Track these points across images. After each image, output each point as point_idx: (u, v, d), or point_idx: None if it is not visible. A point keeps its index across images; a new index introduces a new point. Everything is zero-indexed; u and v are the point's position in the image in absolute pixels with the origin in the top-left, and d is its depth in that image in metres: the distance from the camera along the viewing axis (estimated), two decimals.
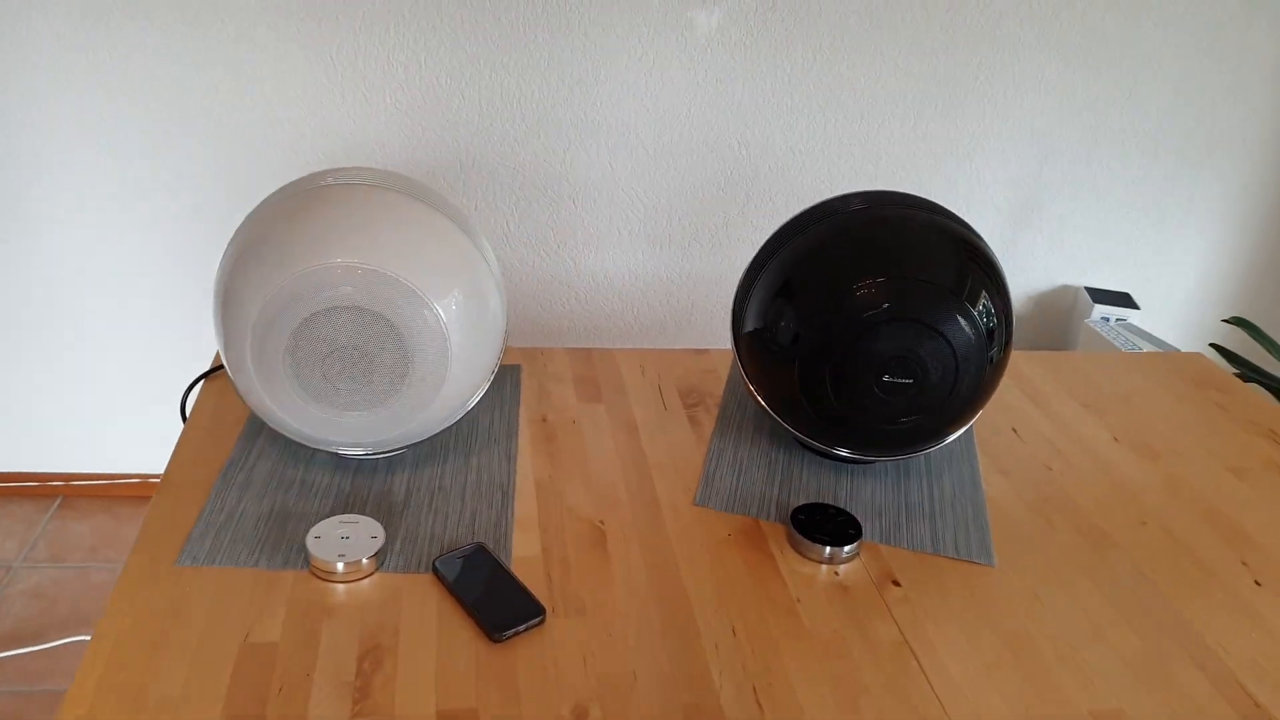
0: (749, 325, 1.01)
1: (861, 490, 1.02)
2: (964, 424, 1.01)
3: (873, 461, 1.05)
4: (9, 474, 1.99)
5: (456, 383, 0.92)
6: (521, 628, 0.80)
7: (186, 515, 0.90)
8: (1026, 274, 2.02)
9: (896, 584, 0.90)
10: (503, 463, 1.02)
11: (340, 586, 0.84)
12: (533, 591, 0.85)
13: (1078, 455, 1.12)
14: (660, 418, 1.13)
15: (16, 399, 1.90)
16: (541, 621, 0.81)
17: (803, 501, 1.00)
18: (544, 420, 1.10)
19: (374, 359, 0.87)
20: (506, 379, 1.17)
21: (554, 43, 1.67)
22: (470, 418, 1.09)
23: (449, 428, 1.06)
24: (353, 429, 0.90)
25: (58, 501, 2.02)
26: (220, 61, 1.61)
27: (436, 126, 1.71)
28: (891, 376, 0.92)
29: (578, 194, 1.81)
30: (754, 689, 0.77)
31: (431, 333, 0.88)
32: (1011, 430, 1.17)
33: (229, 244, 0.91)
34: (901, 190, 1.92)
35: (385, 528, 0.91)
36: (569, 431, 1.08)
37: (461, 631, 0.80)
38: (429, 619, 0.81)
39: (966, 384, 0.94)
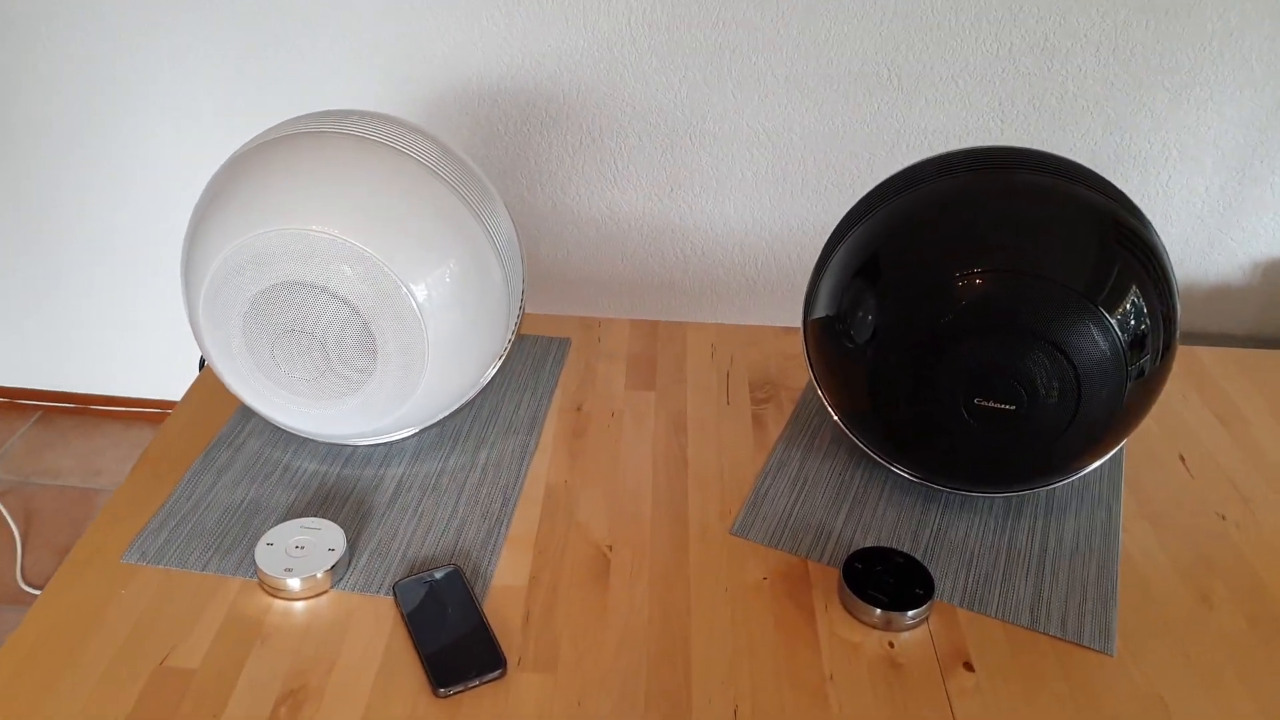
0: (819, 310, 0.80)
1: (953, 530, 0.81)
2: (1092, 460, 0.77)
3: (970, 494, 0.83)
4: (117, 398, 2.05)
5: (442, 375, 0.78)
6: (474, 683, 0.66)
7: (155, 498, 0.81)
8: (1252, 235, 1.64)
9: (969, 668, 0.69)
10: (514, 462, 0.87)
11: (284, 604, 0.72)
12: (500, 635, 0.70)
13: (1271, 503, 0.85)
14: (718, 414, 0.94)
15: (115, 324, 1.94)
16: (500, 676, 0.67)
17: (871, 542, 0.80)
18: (578, 410, 0.94)
19: (333, 345, 0.74)
20: (549, 355, 1.02)
21: None
22: (494, 402, 0.94)
23: (464, 413, 0.92)
24: (319, 419, 0.78)
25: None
26: None
27: (536, 54, 1.55)
28: (985, 399, 0.70)
29: (695, 129, 1.61)
30: None
31: (405, 319, 0.74)
32: (1179, 459, 0.90)
33: (207, 184, 0.79)
34: (1067, 146, 1.59)
35: (358, 534, 0.78)
36: (604, 426, 0.92)
37: (405, 676, 0.67)
38: (372, 657, 0.68)
39: (1096, 409, 0.70)
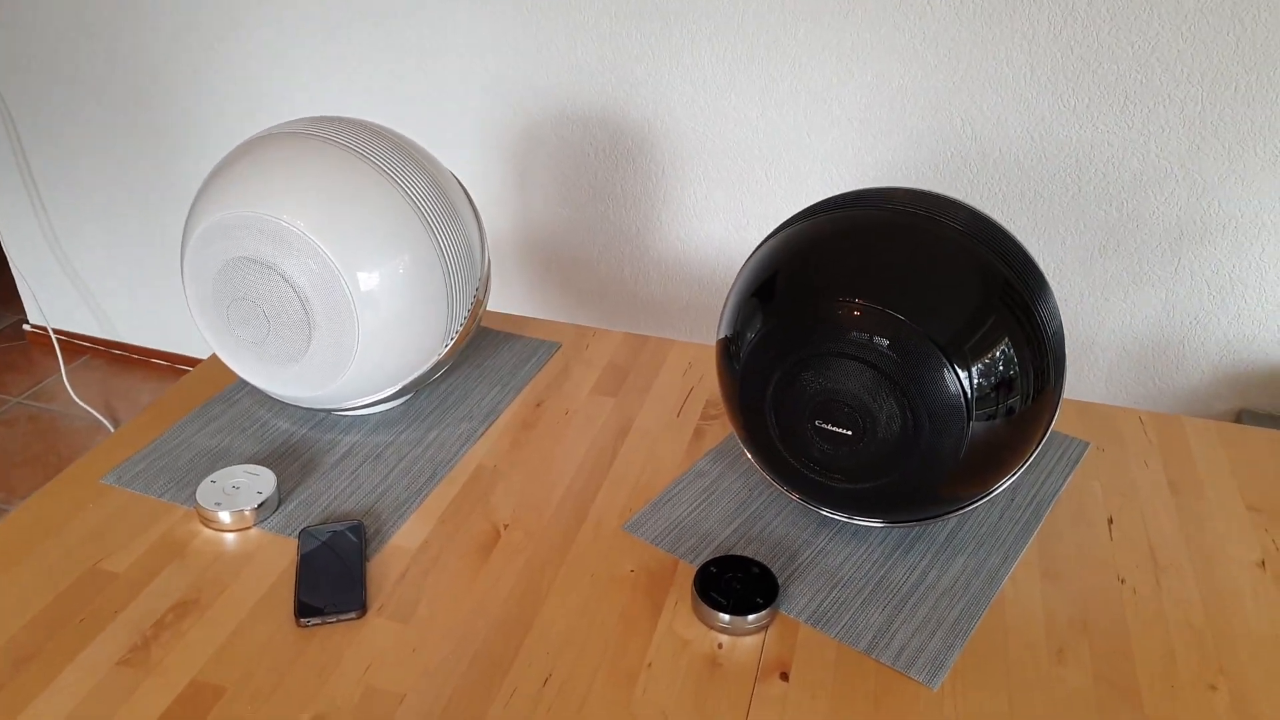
0: (722, 330, 0.84)
1: (832, 555, 0.82)
2: (967, 495, 0.77)
3: (862, 524, 0.83)
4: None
5: (372, 362, 0.88)
6: (332, 619, 0.75)
7: (150, 436, 0.96)
8: None
9: (785, 678, 0.71)
10: (458, 443, 0.95)
11: (212, 533, 0.84)
12: (372, 586, 0.79)
13: (1185, 576, 0.81)
14: (664, 424, 0.99)
15: None
16: (355, 618, 0.75)
17: (751, 554, 0.82)
18: (537, 406, 1.02)
19: (276, 319, 0.85)
20: (534, 356, 1.10)
21: None
22: (463, 390, 1.04)
23: (431, 395, 1.02)
24: (263, 378, 0.90)
25: None
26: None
27: (628, 83, 1.65)
28: (824, 422, 0.72)
29: (770, 164, 1.65)
30: None
31: (340, 309, 0.84)
32: (1107, 520, 0.87)
33: (224, 156, 0.93)
34: (1149, 210, 1.51)
35: (295, 485, 0.89)
36: (554, 423, 0.99)
37: (281, 607, 0.77)
38: (261, 586, 0.78)
39: (943, 447, 0.71)
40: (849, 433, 0.71)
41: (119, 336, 2.35)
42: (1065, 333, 1.65)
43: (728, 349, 0.80)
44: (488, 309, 1.25)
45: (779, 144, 1.64)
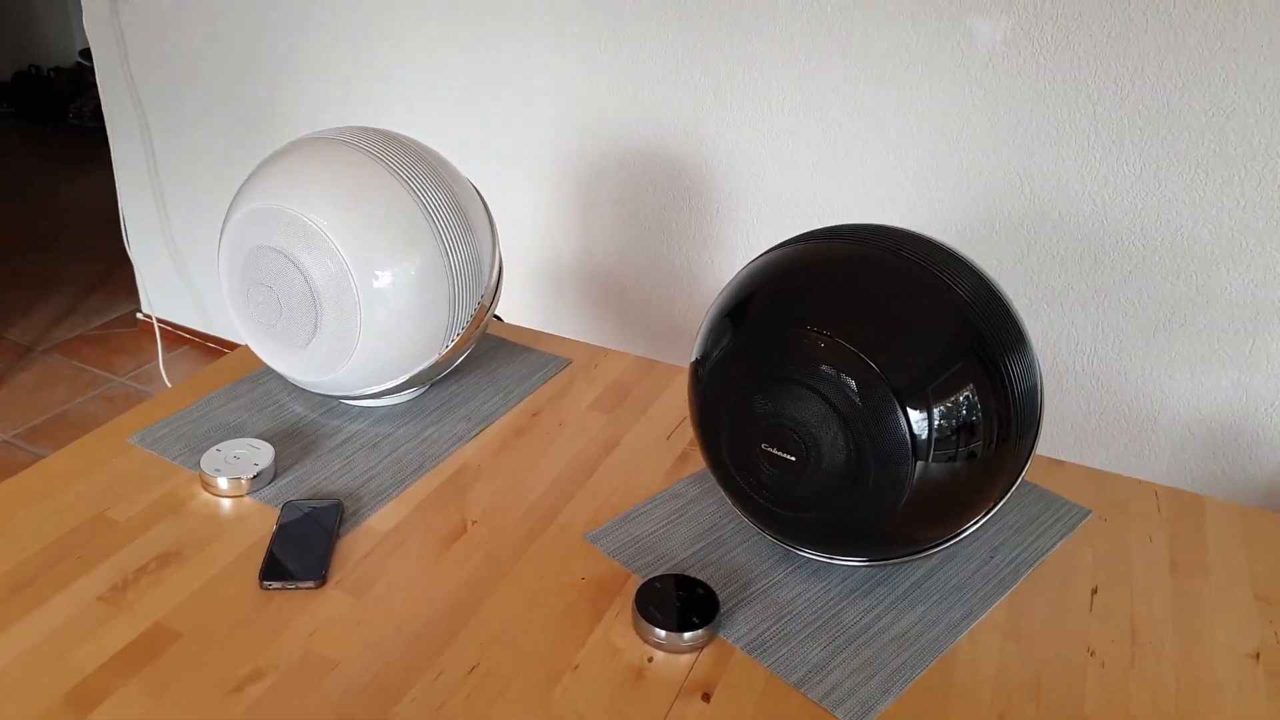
0: (694, 352, 0.86)
1: (787, 588, 0.82)
2: (924, 542, 0.75)
3: (823, 561, 0.82)
4: None
5: (372, 356, 0.93)
6: (291, 586, 0.79)
7: (179, 406, 1.03)
8: None
9: (706, 699, 0.71)
10: (450, 442, 0.99)
11: (210, 497, 0.90)
12: (335, 560, 0.82)
13: (1164, 658, 0.77)
14: (653, 445, 1.01)
15: None
16: (313, 587, 0.79)
17: (705, 577, 0.83)
18: (533, 415, 1.05)
19: (288, 305, 0.91)
20: (542, 370, 1.13)
21: (810, 41, 1.54)
22: (468, 394, 1.07)
23: (437, 395, 1.06)
24: (275, 357, 0.95)
25: None
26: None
27: (686, 123, 1.68)
28: (770, 446, 0.72)
29: (822, 211, 1.65)
30: None
31: (346, 304, 0.90)
32: (1090, 591, 0.83)
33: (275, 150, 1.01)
34: (1220, 286, 1.45)
35: (291, 463, 0.94)
36: (545, 433, 1.02)
37: (249, 569, 0.81)
38: (237, 548, 0.83)
39: (886, 486, 0.70)
40: (793, 459, 0.71)
41: (215, 331, 2.51)
42: (1124, 408, 1.58)
43: (696, 371, 0.81)
44: (513, 323, 1.30)
45: (833, 191, 1.64)
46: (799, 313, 0.73)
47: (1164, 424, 1.56)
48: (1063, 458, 1.66)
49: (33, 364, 2.44)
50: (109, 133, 2.39)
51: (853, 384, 0.69)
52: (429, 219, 0.94)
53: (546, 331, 1.35)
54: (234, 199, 0.96)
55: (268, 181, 0.93)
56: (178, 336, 2.56)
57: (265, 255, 0.91)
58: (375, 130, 0.99)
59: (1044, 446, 1.67)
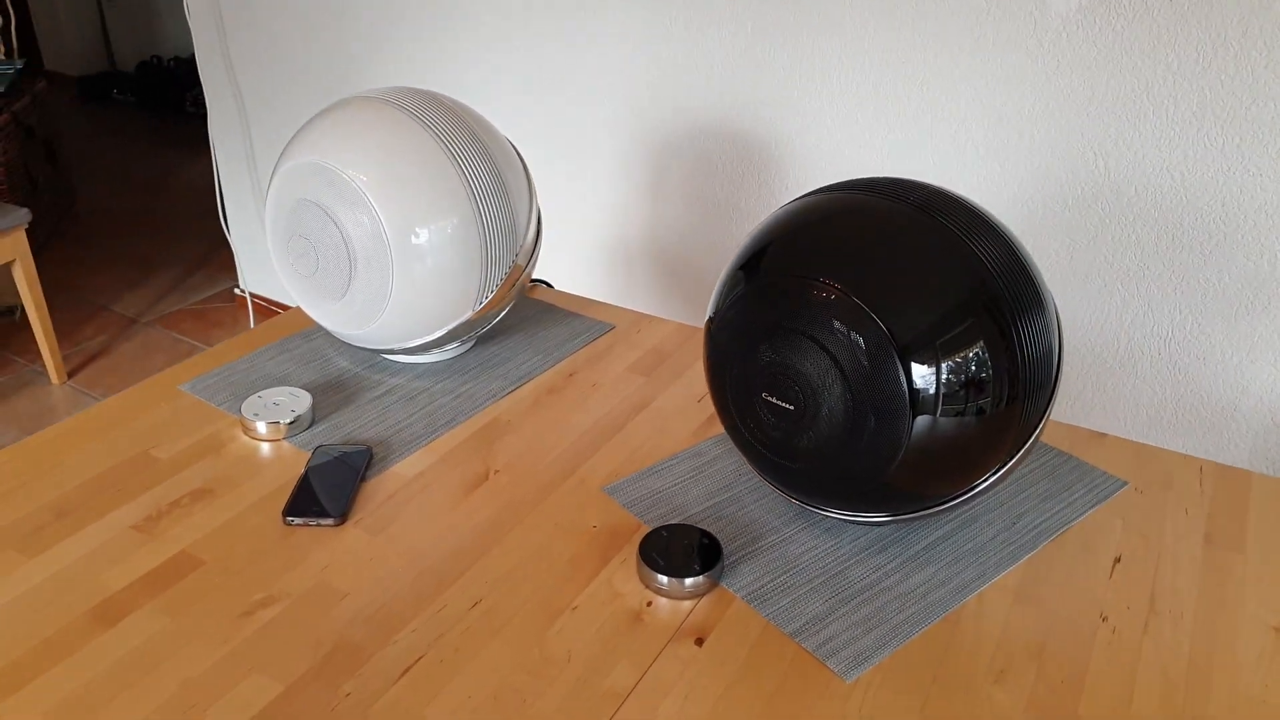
0: (710, 309, 0.86)
1: (798, 543, 0.81)
2: (928, 498, 0.74)
3: (842, 519, 0.81)
4: None
5: (404, 313, 0.96)
6: (311, 521, 0.82)
7: (231, 357, 1.08)
8: None
9: (699, 643, 0.71)
10: (484, 397, 1.02)
11: (249, 440, 0.94)
12: (359, 502, 0.85)
13: (1181, 625, 0.73)
14: (683, 407, 1.01)
15: None
16: (333, 524, 0.82)
17: (720, 529, 0.83)
18: (570, 376, 1.06)
19: (324, 258, 0.95)
20: (584, 334, 1.14)
21: (881, 17, 1.51)
22: (509, 353, 1.10)
23: (478, 354, 1.08)
24: (312, 305, 0.99)
25: None
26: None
27: (755, 101, 1.67)
28: (770, 394, 0.72)
29: None
30: (409, 668, 0.69)
31: (379, 259, 0.93)
32: (1114, 559, 0.80)
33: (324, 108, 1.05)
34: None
35: (330, 411, 0.98)
36: (579, 392, 1.03)
37: (276, 506, 0.85)
38: (267, 488, 0.87)
39: (882, 439, 0.69)
40: (791, 408, 0.71)
41: None
42: (1203, 395, 1.50)
43: (710, 328, 0.81)
44: (565, 290, 1.31)
45: (900, 169, 1.61)
46: (804, 263, 0.72)
47: (1245, 412, 1.48)
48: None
49: (135, 335, 2.60)
50: (209, 120, 2.52)
51: (852, 335, 0.68)
52: (464, 179, 0.96)
53: (594, 298, 1.37)
54: (282, 152, 1.00)
55: (313, 137, 0.97)
56: (269, 310, 2.68)
57: (305, 209, 0.95)
58: (419, 91, 1.02)
59: (1118, 432, 1.60)
